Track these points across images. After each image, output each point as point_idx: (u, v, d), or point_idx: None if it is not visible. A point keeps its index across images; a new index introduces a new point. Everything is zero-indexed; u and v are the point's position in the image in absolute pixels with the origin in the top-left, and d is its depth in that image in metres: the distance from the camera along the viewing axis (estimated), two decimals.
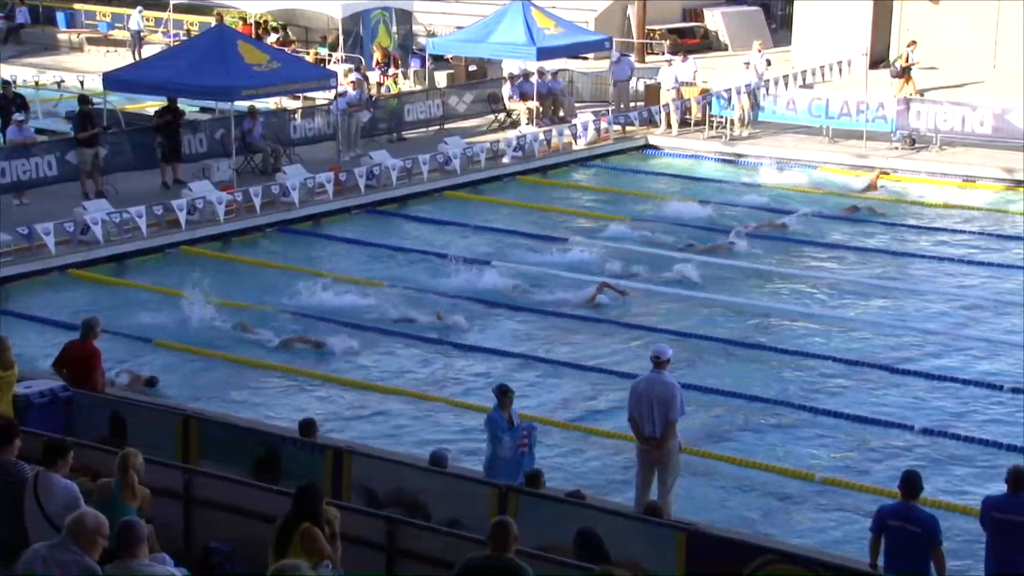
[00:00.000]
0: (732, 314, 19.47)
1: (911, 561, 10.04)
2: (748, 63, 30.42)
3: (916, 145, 28.13)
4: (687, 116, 30.34)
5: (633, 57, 34.88)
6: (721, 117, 29.90)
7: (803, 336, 18.51)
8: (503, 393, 12.77)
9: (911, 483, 10.25)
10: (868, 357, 17.51)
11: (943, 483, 13.76)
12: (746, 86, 29.36)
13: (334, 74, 28.78)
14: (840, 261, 22.06)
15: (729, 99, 29.31)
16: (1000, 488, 10.53)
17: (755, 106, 29.72)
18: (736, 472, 14.22)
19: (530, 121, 30.45)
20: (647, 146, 30.21)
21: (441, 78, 33.61)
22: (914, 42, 30.49)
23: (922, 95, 29.51)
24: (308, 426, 12.49)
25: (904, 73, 30.13)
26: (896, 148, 28.11)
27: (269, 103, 29.50)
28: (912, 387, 16.63)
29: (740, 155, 29.25)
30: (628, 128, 30.26)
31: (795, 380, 16.90)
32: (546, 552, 9.66)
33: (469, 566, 8.25)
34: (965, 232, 23.47)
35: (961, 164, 27.12)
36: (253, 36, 33.31)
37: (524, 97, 30.91)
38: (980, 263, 21.74)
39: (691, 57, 32.39)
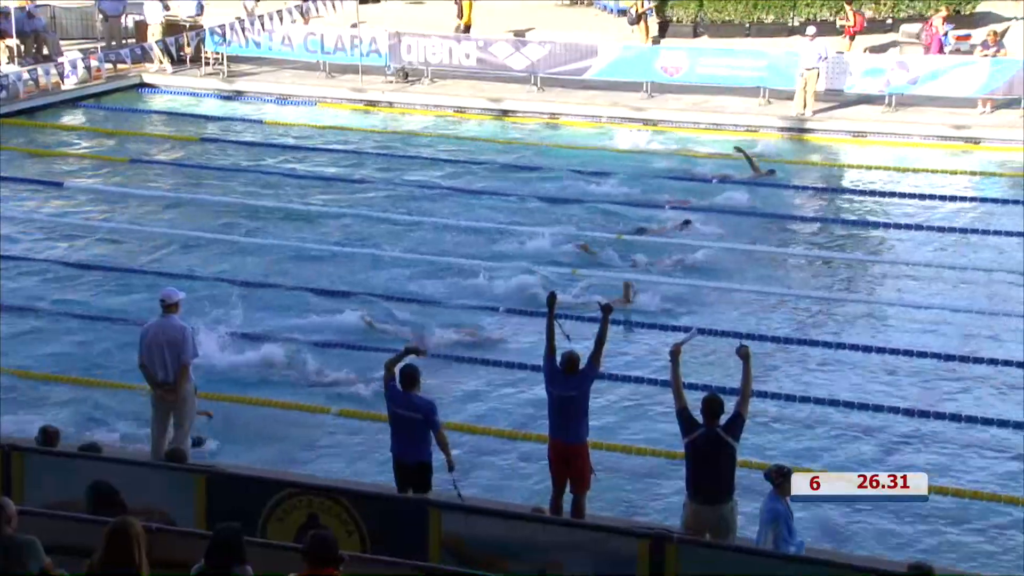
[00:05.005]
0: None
1: (415, 444, 11.08)
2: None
3: (410, 78, 29.04)
4: (183, 53, 29.63)
5: None
6: (217, 53, 29.47)
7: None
8: (785, 477, 9.87)
9: (409, 377, 11.14)
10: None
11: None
12: (239, 21, 29.01)
13: None
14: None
15: (224, 35, 28.84)
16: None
17: (250, 42, 29.40)
18: (260, 412, 14.19)
19: (11, 60, 28.66)
20: (142, 84, 29.32)
21: None
22: None
23: (657, 41, 29.79)
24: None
25: (640, 19, 30.31)
26: (391, 82, 28.89)
27: None
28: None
29: (240, 92, 29.00)
30: (120, 66, 29.12)
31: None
32: (57, 510, 9.30)
33: None
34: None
35: (452, 96, 28.29)
36: None
37: (2, 35, 28.99)
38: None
39: None
